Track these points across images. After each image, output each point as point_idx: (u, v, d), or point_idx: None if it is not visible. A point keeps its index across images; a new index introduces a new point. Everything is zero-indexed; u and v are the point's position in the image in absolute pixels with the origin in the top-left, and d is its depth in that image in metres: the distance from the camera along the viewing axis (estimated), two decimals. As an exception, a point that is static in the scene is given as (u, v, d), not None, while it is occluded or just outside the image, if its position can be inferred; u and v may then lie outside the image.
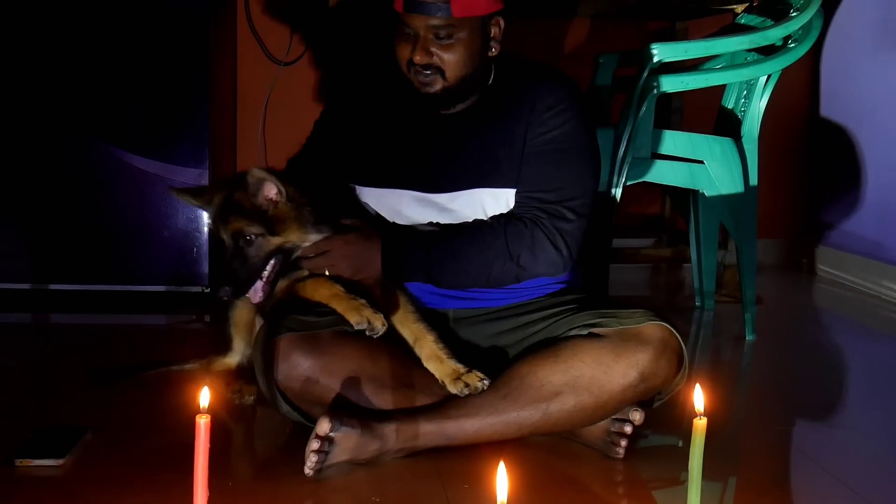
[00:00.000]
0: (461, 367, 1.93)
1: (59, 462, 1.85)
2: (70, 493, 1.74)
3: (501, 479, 1.09)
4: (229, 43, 3.80)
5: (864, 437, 2.24)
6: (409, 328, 1.98)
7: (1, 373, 2.52)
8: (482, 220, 2.04)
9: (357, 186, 2.11)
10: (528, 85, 2.06)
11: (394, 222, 2.08)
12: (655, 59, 2.74)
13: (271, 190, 1.92)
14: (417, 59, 1.97)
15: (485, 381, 1.91)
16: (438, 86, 1.99)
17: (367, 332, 1.90)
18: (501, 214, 2.04)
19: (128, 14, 3.20)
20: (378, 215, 2.09)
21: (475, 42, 1.99)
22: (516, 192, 2.04)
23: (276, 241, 1.93)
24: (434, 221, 2.06)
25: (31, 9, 3.17)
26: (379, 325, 1.90)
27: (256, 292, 1.94)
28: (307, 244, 1.96)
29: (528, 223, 2.00)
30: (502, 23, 2.04)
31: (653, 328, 1.95)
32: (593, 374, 1.90)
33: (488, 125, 2.05)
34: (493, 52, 2.04)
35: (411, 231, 2.06)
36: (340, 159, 2.13)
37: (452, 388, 1.91)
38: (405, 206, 2.06)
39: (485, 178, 2.03)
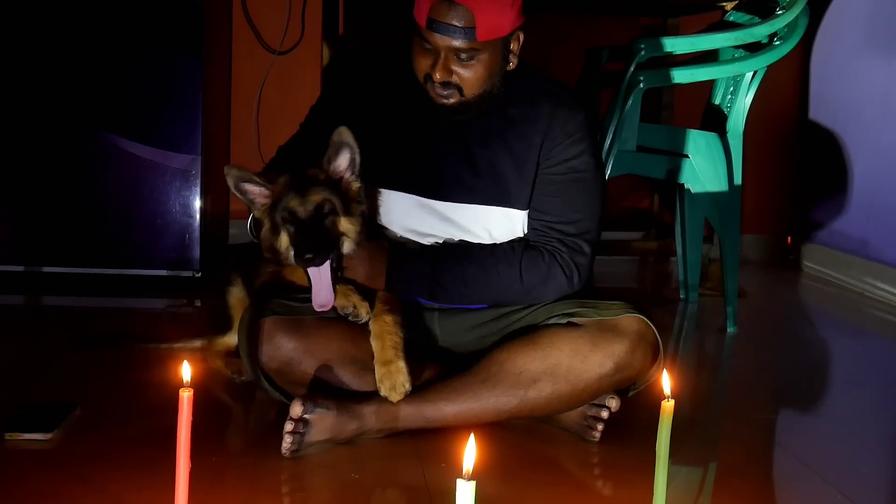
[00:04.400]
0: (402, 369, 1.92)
1: (48, 437, 1.89)
2: (57, 466, 1.78)
3: (470, 451, 1.13)
4: (224, 31, 3.84)
5: (839, 429, 2.29)
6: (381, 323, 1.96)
7: (-7, 351, 2.57)
8: (497, 246, 2.05)
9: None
10: (544, 106, 2.05)
11: (403, 237, 2.08)
12: (642, 54, 2.78)
13: (345, 159, 1.94)
14: (438, 76, 1.95)
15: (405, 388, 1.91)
16: (454, 100, 1.99)
17: (351, 318, 1.95)
18: (518, 241, 2.06)
19: (123, 0, 3.23)
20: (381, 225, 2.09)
21: (496, 61, 1.99)
22: (533, 219, 2.06)
23: (344, 224, 1.93)
24: (443, 238, 2.07)
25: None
26: (363, 313, 1.95)
27: (326, 304, 1.91)
28: (355, 247, 1.96)
29: (545, 256, 2.02)
30: (522, 36, 2.03)
31: (630, 320, 1.99)
32: (570, 363, 1.94)
33: (499, 142, 2.06)
34: (511, 65, 2.04)
35: (420, 249, 2.06)
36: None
37: (380, 381, 1.91)
38: (405, 210, 2.07)
39: (493, 197, 2.05)
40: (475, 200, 2.05)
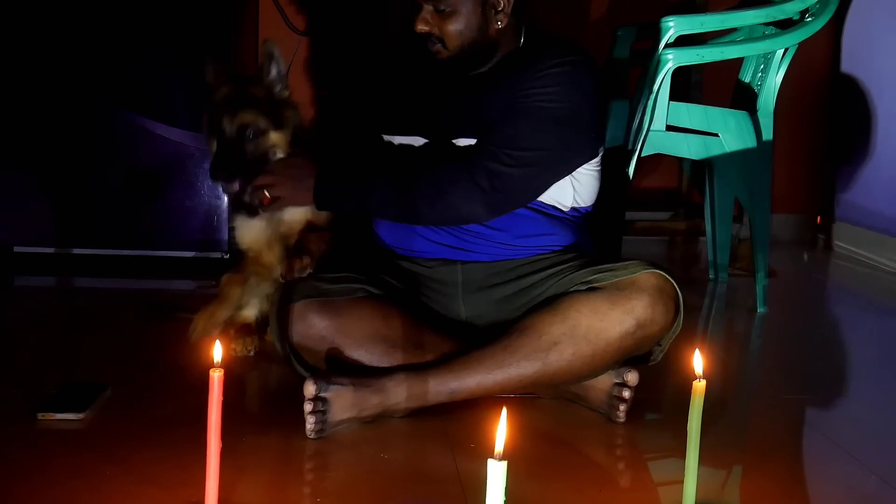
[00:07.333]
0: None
1: (80, 416, 1.91)
2: (88, 445, 1.80)
3: (501, 429, 1.13)
4: (251, 12, 3.83)
5: (871, 410, 2.26)
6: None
7: (25, 333, 2.59)
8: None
9: (385, 135, 2.25)
10: (539, 52, 2.12)
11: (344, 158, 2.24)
12: (671, 32, 2.75)
13: (274, 71, 2.15)
14: (417, 28, 2.08)
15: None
16: (444, 54, 2.11)
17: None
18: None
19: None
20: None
21: (474, 16, 2.08)
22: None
23: (274, 138, 2.10)
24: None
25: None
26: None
27: (234, 185, 2.12)
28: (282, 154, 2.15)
29: (460, 160, 2.07)
30: None
31: (647, 276, 1.98)
32: (590, 322, 1.94)
33: (498, 84, 2.12)
34: (500, 24, 2.10)
35: (353, 164, 2.18)
36: (375, 110, 2.31)
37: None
38: (420, 151, 2.16)
39: (471, 129, 2.11)
40: (470, 134, 2.11)
